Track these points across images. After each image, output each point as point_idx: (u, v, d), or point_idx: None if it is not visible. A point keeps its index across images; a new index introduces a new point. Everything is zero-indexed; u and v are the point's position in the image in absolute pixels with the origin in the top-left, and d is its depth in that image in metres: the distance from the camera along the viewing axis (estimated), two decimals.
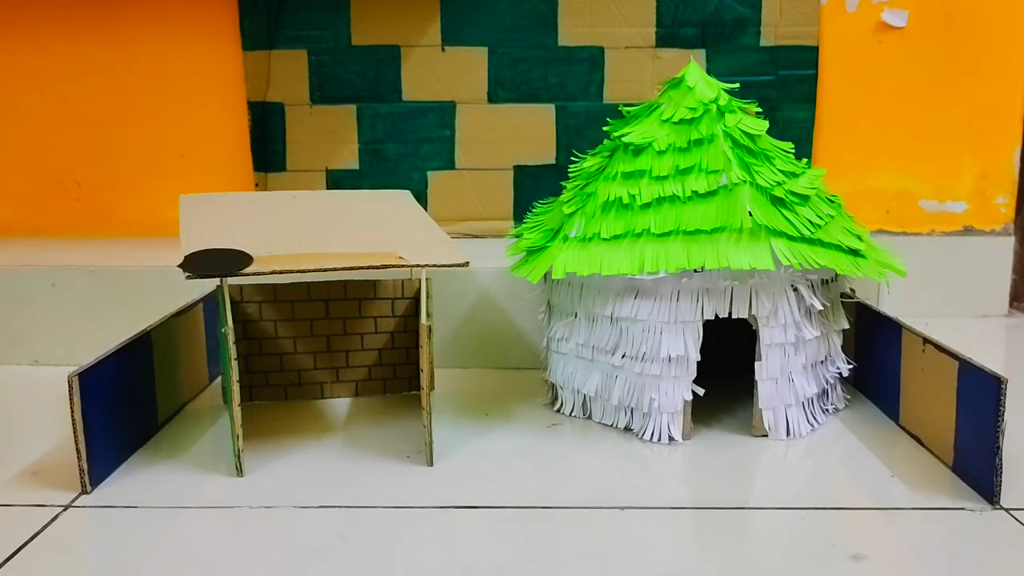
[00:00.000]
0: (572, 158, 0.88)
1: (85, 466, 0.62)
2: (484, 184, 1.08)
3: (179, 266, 0.62)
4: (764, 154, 0.72)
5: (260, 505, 0.61)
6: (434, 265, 0.65)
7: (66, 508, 0.61)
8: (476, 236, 1.08)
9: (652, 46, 1.04)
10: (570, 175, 0.81)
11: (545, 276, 0.75)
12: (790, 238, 0.68)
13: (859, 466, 0.67)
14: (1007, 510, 0.59)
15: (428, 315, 0.68)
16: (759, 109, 0.77)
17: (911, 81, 1.07)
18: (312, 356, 0.82)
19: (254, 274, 0.62)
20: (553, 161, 1.07)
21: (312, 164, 1.08)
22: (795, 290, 0.71)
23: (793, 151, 0.75)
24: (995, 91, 1.07)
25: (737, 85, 0.76)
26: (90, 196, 1.12)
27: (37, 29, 1.08)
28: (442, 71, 1.06)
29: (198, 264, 0.62)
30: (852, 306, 0.81)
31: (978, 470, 0.61)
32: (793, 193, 0.70)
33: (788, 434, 0.72)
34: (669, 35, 1.04)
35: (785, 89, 1.05)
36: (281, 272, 0.62)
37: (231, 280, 0.66)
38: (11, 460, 0.69)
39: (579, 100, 1.06)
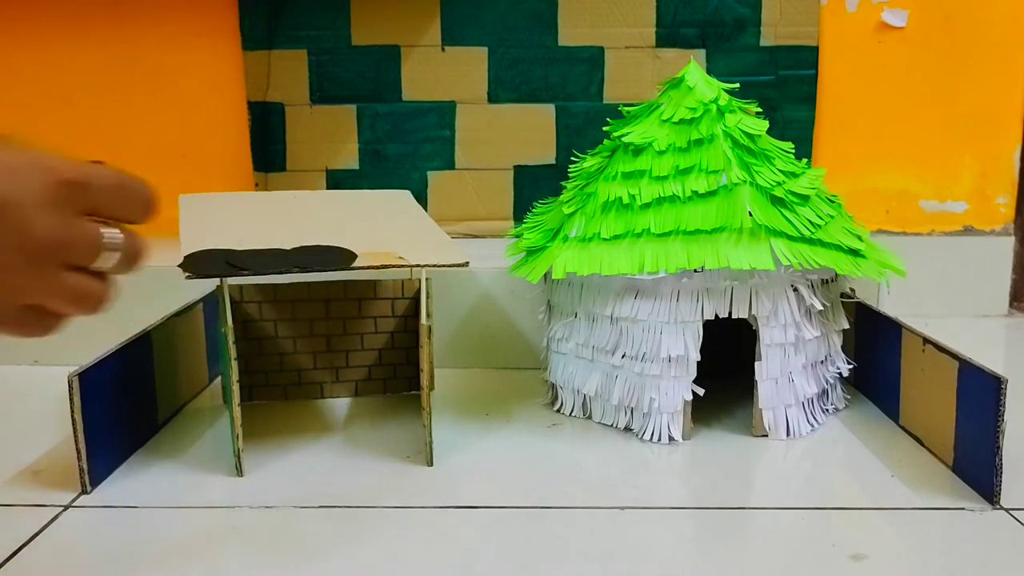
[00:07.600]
0: (572, 158, 0.88)
1: (85, 466, 0.62)
2: (484, 184, 1.08)
3: (179, 266, 0.62)
4: (764, 154, 0.72)
5: (260, 505, 0.61)
6: (434, 265, 0.65)
7: (66, 508, 0.61)
8: (476, 236, 1.08)
9: (652, 46, 1.04)
10: (570, 175, 0.81)
11: (545, 276, 0.75)
12: (790, 238, 0.68)
13: (859, 466, 0.67)
14: (1007, 510, 0.59)
15: (428, 315, 0.68)
16: (759, 109, 0.77)
17: (911, 81, 1.07)
18: (312, 356, 0.82)
19: (254, 274, 0.62)
20: (553, 161, 1.07)
21: (312, 164, 1.07)
22: (795, 290, 0.71)
23: (793, 151, 0.75)
24: (995, 91, 1.07)
25: (737, 85, 0.76)
26: None
27: (37, 29, 1.08)
28: (442, 71, 1.05)
29: (198, 264, 0.62)
30: (852, 306, 0.81)
31: (978, 470, 0.61)
32: (793, 193, 0.70)
33: (788, 434, 0.72)
34: (669, 35, 1.04)
35: (785, 89, 1.05)
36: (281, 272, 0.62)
37: (231, 280, 0.66)
38: (11, 460, 0.69)
39: (579, 100, 1.06)
